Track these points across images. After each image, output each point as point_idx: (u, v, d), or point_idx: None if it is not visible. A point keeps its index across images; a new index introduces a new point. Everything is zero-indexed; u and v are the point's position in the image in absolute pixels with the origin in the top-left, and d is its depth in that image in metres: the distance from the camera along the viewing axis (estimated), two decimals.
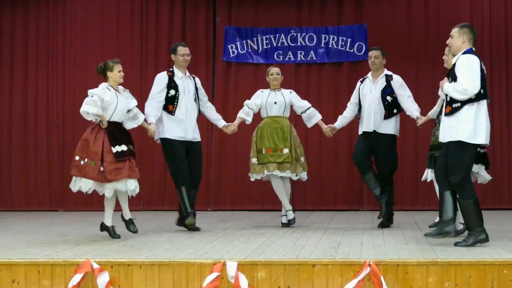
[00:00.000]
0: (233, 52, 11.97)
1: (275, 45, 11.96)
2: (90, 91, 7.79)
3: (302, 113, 9.30)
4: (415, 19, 11.78)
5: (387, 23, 11.77)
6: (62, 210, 11.83)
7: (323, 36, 11.87)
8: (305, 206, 11.76)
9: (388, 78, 8.90)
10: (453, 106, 6.96)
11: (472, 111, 6.89)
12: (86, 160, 7.66)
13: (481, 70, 6.99)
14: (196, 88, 8.80)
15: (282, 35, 11.94)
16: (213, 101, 11.69)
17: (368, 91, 8.94)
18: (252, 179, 9.17)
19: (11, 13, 12.22)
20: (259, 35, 11.98)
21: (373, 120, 8.82)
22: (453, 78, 6.98)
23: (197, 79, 8.92)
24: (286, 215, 9.07)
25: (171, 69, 8.78)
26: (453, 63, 7.11)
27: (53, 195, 11.98)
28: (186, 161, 8.61)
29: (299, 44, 11.89)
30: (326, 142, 11.59)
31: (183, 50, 8.74)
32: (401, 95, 8.87)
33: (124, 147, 7.79)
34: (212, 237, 7.91)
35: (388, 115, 8.85)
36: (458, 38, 7.11)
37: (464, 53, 7.04)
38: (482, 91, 6.92)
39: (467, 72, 6.87)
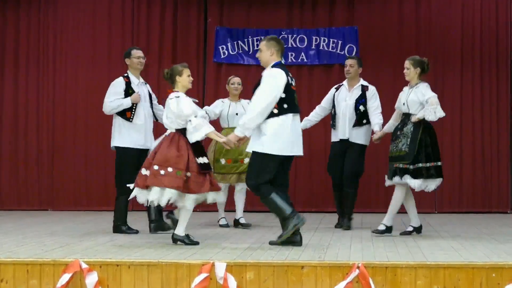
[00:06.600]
0: (224, 53, 11.96)
1: None
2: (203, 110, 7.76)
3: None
4: (407, 22, 11.78)
5: (378, 25, 11.77)
6: (51, 210, 11.79)
7: (314, 38, 11.87)
8: (295, 208, 11.71)
9: (364, 89, 9.04)
10: None
11: (277, 123, 7.09)
12: (170, 169, 7.14)
13: (288, 84, 7.10)
14: (150, 94, 8.73)
15: None
16: (203, 102, 11.67)
17: (343, 98, 9.04)
18: None
19: (2, 13, 12.14)
20: (250, 36, 11.96)
21: (348, 128, 8.93)
22: None
23: (148, 84, 8.84)
24: (225, 218, 9.42)
25: (126, 75, 8.61)
26: (262, 74, 7.24)
27: (42, 194, 11.94)
28: (135, 172, 8.38)
29: (290, 45, 11.87)
30: (316, 143, 11.59)
31: (137, 53, 8.63)
32: (369, 106, 8.98)
33: (205, 159, 7.40)
34: (201, 238, 7.90)
35: (357, 123, 8.92)
36: (266, 51, 7.25)
37: (273, 66, 7.20)
38: (286, 105, 7.07)
39: (264, 87, 7.05)
